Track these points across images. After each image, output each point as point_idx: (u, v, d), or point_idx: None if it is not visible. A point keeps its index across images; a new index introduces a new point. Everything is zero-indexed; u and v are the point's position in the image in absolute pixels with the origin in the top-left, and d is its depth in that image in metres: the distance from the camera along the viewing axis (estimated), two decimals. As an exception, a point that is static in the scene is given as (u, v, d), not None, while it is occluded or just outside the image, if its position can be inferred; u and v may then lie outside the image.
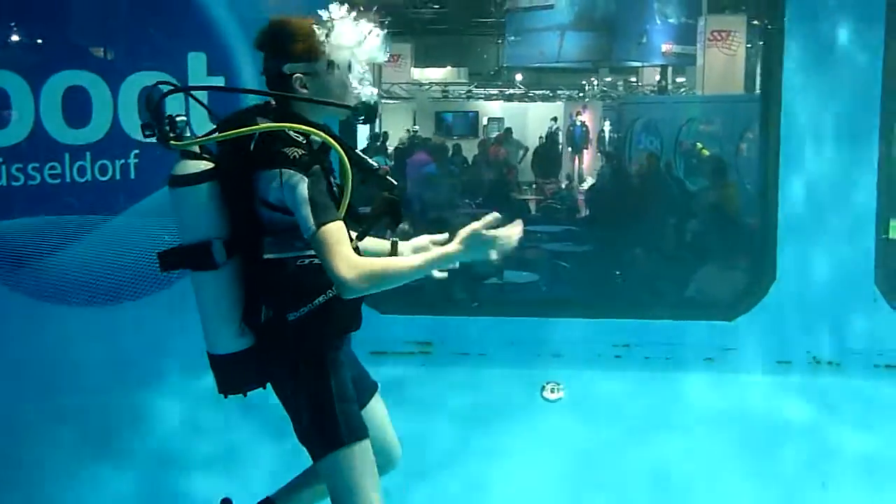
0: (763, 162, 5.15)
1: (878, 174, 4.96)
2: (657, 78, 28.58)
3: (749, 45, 25.78)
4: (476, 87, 29.88)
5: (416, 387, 4.92)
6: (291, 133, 2.85)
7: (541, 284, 9.26)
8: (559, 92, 29.24)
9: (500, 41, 30.68)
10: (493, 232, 2.85)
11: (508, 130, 23.10)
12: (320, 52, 2.95)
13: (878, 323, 5.00)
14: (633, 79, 32.39)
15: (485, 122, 28.08)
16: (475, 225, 2.83)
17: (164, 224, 4.71)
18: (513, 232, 2.89)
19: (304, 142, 2.87)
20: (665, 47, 24.37)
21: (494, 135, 24.10)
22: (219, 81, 4.73)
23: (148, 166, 4.63)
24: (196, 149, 2.91)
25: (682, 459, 4.70)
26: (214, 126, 2.97)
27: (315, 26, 2.96)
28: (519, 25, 25.69)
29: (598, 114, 26.22)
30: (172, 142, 2.88)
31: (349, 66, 2.98)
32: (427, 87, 28.92)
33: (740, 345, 5.08)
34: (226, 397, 3.08)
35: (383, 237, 3.16)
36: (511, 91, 29.76)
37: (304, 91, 2.95)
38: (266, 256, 2.87)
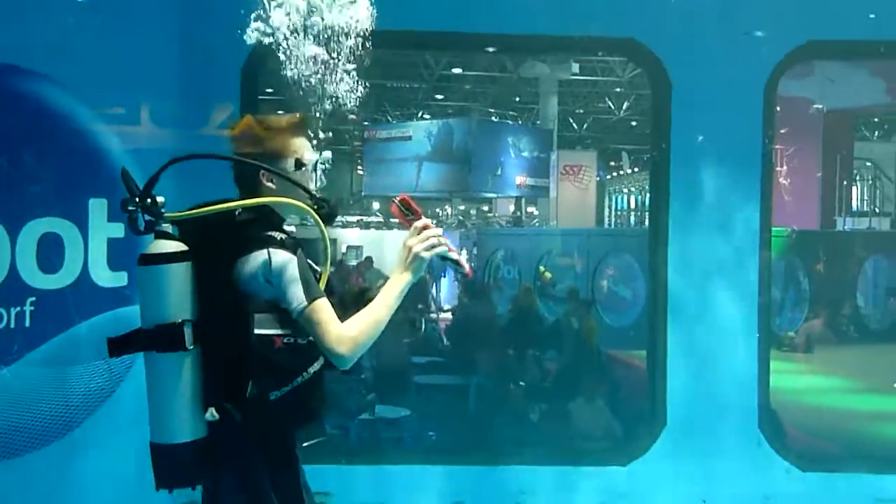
0: (652, 314, 5.36)
1: (759, 322, 5.21)
2: (511, 208, 29.45)
3: (598, 179, 26.93)
4: (334, 214, 29.99)
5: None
6: (273, 217, 2.93)
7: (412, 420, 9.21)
8: (415, 221, 29.57)
9: (356, 170, 31.18)
10: (411, 241, 2.95)
11: (369, 259, 23.18)
12: (290, 150, 3.02)
13: (762, 466, 5.18)
14: (487, 208, 33.29)
15: (343, 249, 28.19)
16: (404, 244, 2.96)
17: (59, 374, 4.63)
18: (423, 229, 2.96)
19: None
20: (519, 179, 25.17)
21: (353, 263, 24.15)
22: (119, 228, 4.70)
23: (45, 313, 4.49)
24: (169, 230, 2.86)
25: None
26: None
27: (288, 124, 3.04)
28: (377, 155, 26.17)
29: (454, 243, 26.64)
30: (167, 215, 2.84)
31: (314, 167, 3.07)
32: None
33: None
34: (171, 492, 2.89)
35: None
36: (368, 219, 30.06)
37: (271, 185, 2.99)
38: (257, 332, 2.81)
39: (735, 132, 5.27)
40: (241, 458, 2.92)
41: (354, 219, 30.54)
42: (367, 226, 29.72)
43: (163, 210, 2.86)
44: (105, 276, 4.78)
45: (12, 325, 4.40)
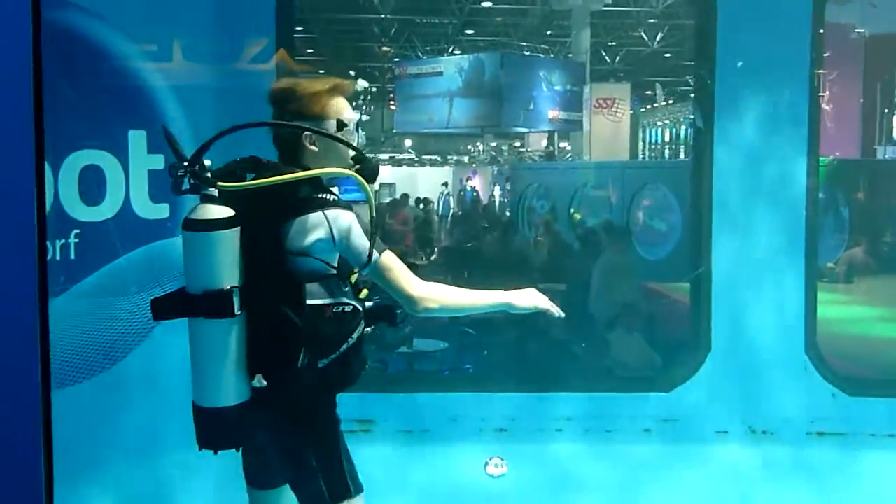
0: (695, 235, 5.30)
1: (806, 247, 5.14)
2: (544, 143, 29.28)
3: (631, 112, 26.62)
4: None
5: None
6: (323, 181, 2.95)
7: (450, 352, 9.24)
8: (448, 157, 29.59)
9: (388, 106, 31.01)
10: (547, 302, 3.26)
11: (405, 196, 23.17)
12: (332, 111, 3.02)
13: (809, 391, 5.14)
14: (519, 143, 33.13)
15: (376, 187, 28.17)
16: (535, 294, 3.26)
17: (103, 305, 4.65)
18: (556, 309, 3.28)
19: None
20: (552, 114, 24.95)
21: (387, 200, 24.14)
22: (159, 160, 4.70)
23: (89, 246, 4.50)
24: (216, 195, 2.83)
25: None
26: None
27: (328, 86, 3.03)
28: (408, 92, 26.01)
29: (488, 179, 26.57)
30: (221, 184, 2.81)
31: (356, 126, 3.07)
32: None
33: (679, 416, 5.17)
34: (215, 453, 2.91)
35: None
36: (401, 156, 30.01)
37: (314, 148, 2.99)
38: (309, 302, 2.85)
39: (781, 55, 5.15)
40: (284, 422, 2.99)
41: (386, 156, 30.48)
42: (398, 163, 29.69)
43: (212, 176, 2.82)
44: (147, 208, 4.78)
45: (58, 258, 4.42)
